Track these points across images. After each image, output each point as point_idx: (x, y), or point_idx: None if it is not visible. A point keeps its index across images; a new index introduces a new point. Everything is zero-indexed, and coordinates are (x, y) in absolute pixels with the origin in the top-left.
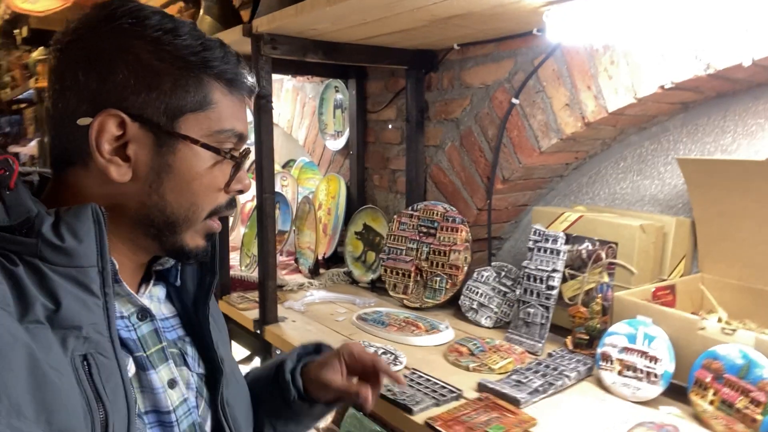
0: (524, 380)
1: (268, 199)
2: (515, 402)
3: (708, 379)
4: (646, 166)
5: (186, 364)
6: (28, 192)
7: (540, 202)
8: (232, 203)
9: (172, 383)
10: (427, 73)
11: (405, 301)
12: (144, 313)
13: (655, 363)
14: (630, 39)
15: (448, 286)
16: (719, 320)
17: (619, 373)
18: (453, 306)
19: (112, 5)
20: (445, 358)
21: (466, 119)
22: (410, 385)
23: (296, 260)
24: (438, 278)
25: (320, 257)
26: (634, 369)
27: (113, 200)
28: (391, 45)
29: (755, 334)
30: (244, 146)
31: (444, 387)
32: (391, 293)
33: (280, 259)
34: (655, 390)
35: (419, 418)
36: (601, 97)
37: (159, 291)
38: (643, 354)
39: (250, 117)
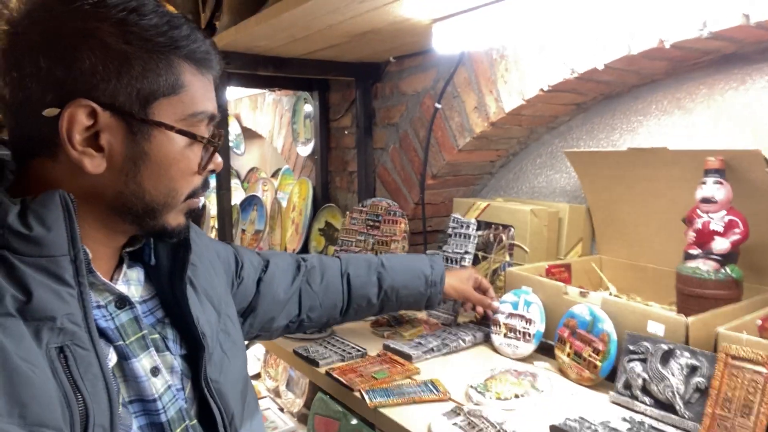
0: (423, 342)
1: (224, 195)
2: (408, 357)
3: (566, 335)
4: (557, 162)
5: (168, 348)
6: None
7: (473, 198)
8: (206, 183)
9: (155, 371)
10: (374, 84)
11: None
12: (122, 301)
13: (530, 324)
14: (516, 48)
15: None
16: (610, 295)
17: (505, 335)
18: None
19: None
20: (369, 328)
21: (403, 123)
22: (324, 346)
23: None
24: None
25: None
26: (515, 331)
27: (86, 190)
28: (335, 59)
29: (603, 295)
30: (213, 126)
31: (353, 348)
32: None
33: None
34: (529, 347)
35: (323, 369)
36: (500, 100)
37: (136, 273)
38: (522, 317)
39: None
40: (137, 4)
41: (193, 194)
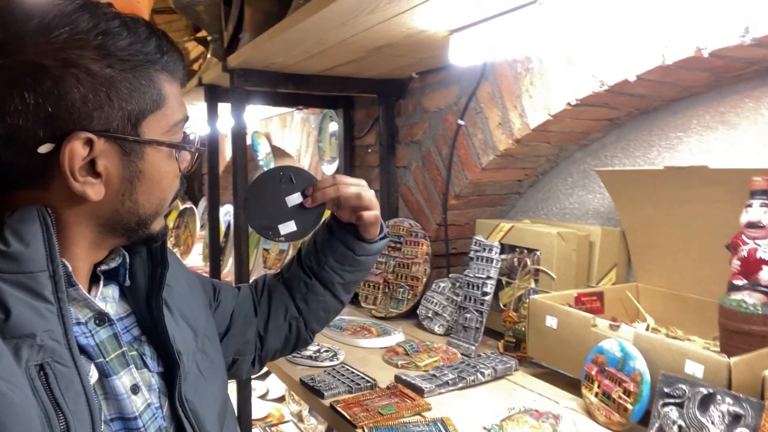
0: (438, 375)
1: (241, 215)
2: (420, 391)
3: (594, 372)
4: (589, 181)
5: (146, 365)
6: None
7: (500, 219)
8: (183, 182)
9: (134, 389)
10: (397, 100)
11: (373, 312)
12: (102, 318)
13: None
14: (542, 60)
15: (409, 297)
16: (647, 328)
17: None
18: (414, 316)
19: (37, 13)
20: (383, 357)
21: (426, 141)
22: (333, 376)
23: None
24: (401, 289)
25: None
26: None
27: (84, 214)
28: (356, 75)
29: (635, 329)
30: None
31: (363, 378)
32: (362, 304)
33: None
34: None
35: (327, 401)
36: (525, 115)
37: (111, 291)
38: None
39: None
40: (106, 26)
41: (176, 197)
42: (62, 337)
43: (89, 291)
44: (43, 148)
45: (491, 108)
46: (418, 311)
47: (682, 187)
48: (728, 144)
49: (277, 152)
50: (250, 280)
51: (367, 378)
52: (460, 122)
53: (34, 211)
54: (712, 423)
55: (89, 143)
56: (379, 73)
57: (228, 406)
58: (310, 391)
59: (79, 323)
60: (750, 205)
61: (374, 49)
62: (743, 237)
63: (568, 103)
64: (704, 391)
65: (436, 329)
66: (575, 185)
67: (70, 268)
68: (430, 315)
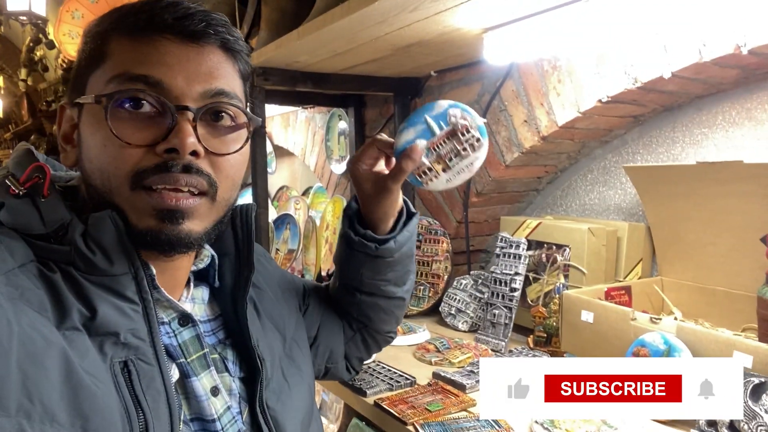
0: (476, 371)
1: (262, 213)
2: (461, 387)
3: None
4: (610, 178)
5: (227, 369)
6: (61, 199)
7: (519, 216)
8: (162, 167)
9: (214, 391)
10: (413, 99)
11: None
12: (185, 319)
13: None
14: (570, 58)
15: (430, 294)
16: (675, 320)
17: (444, 170)
18: (435, 313)
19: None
20: (413, 354)
21: None
22: (370, 374)
23: (302, 276)
24: (422, 287)
25: (324, 273)
26: None
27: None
28: (375, 74)
29: (677, 322)
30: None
31: (401, 375)
32: None
33: None
34: None
35: (371, 399)
36: (552, 113)
37: (201, 292)
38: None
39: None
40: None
41: (138, 178)
42: (147, 336)
43: (181, 292)
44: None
45: (516, 106)
46: (440, 308)
47: (714, 182)
48: (755, 140)
49: (278, 151)
50: None
51: (405, 375)
52: (483, 120)
53: (107, 219)
54: (766, 412)
55: (69, 115)
56: (397, 72)
57: (314, 413)
58: (351, 389)
59: (162, 323)
60: None
61: (403, 47)
62: None
63: (599, 100)
64: (755, 380)
65: (460, 326)
66: (595, 181)
67: (154, 271)
68: (453, 312)
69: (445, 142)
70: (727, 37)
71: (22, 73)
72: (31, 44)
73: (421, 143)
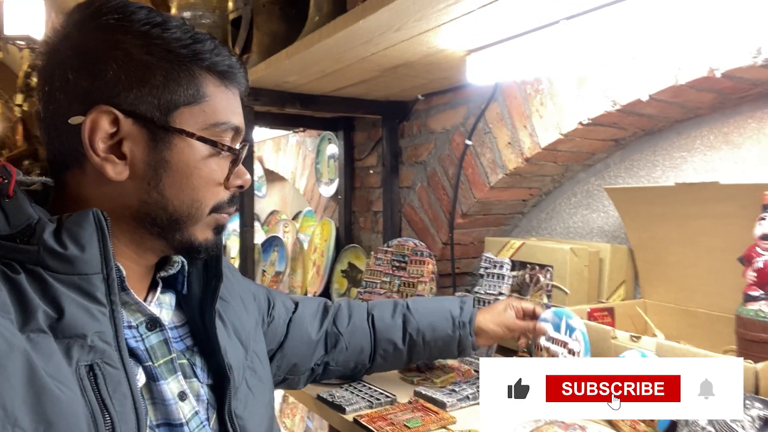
0: (458, 389)
1: (247, 232)
2: (442, 405)
3: None
4: (593, 201)
5: (195, 375)
6: (27, 199)
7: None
8: (233, 200)
9: (182, 395)
10: (401, 122)
11: None
12: (153, 323)
13: (573, 356)
14: (552, 81)
15: None
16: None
17: None
18: None
19: (97, 2)
20: (397, 374)
21: (431, 161)
22: (351, 392)
23: None
24: None
25: (311, 295)
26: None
27: (113, 201)
28: (363, 96)
29: (657, 340)
30: (241, 140)
31: (382, 393)
32: None
33: None
34: None
35: (350, 416)
36: (535, 135)
37: (168, 298)
38: (564, 344)
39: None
40: (162, 19)
41: (219, 208)
42: (113, 339)
43: (146, 296)
44: (73, 120)
45: (500, 128)
46: None
47: (693, 203)
48: (732, 163)
49: (269, 176)
50: None
51: (386, 393)
52: (468, 142)
53: (90, 215)
54: (743, 428)
55: (116, 123)
56: (385, 95)
57: (274, 425)
58: (330, 406)
59: (130, 326)
60: (763, 218)
61: (390, 68)
62: (757, 249)
63: (580, 123)
64: None
65: None
66: (579, 204)
67: (124, 273)
68: None
69: (556, 342)
70: (702, 60)
71: (18, 98)
72: (28, 70)
73: (548, 327)
